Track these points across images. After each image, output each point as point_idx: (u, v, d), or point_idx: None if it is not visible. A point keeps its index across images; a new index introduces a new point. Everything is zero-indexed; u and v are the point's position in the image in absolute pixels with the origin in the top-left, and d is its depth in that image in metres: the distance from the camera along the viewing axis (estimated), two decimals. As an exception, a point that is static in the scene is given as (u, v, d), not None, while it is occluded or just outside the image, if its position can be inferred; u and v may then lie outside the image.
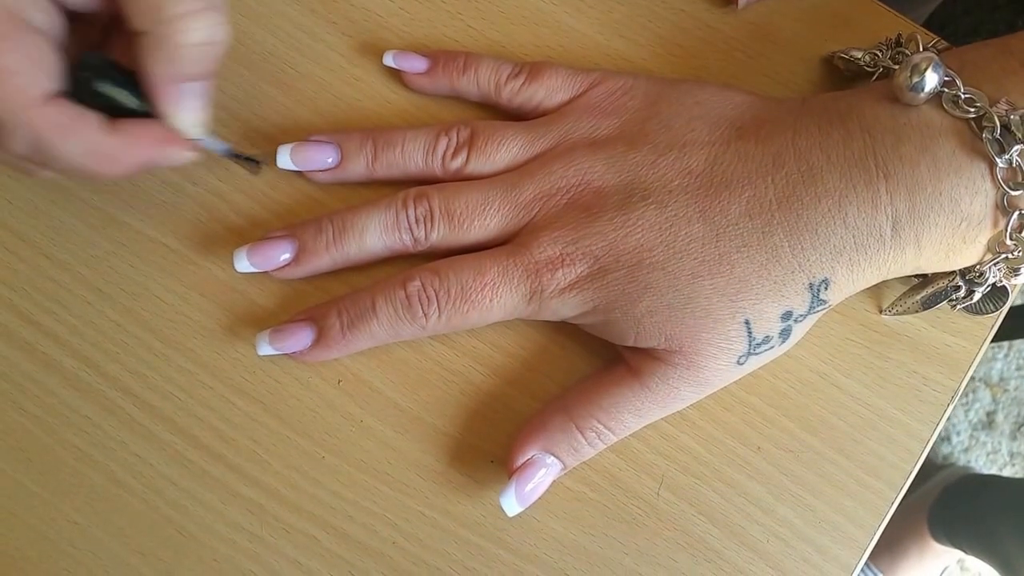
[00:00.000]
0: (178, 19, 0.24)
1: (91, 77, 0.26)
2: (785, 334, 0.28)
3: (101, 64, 0.26)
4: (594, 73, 0.31)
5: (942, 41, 0.31)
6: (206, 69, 0.25)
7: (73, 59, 0.26)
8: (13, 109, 0.24)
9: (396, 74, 0.33)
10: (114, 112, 0.26)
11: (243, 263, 0.30)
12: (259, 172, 0.31)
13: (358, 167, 0.31)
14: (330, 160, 0.31)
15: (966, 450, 1.06)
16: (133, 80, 0.26)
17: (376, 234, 0.30)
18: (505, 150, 0.30)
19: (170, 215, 0.32)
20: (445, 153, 0.30)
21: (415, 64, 0.32)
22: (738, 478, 0.31)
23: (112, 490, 0.30)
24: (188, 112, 0.26)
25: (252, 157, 0.30)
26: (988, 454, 1.06)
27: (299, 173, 0.31)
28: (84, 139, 0.25)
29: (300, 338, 0.29)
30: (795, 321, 0.28)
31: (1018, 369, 1.08)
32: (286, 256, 0.30)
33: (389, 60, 0.32)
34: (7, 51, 0.23)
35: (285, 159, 0.31)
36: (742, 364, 0.28)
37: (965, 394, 1.08)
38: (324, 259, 0.30)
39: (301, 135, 0.32)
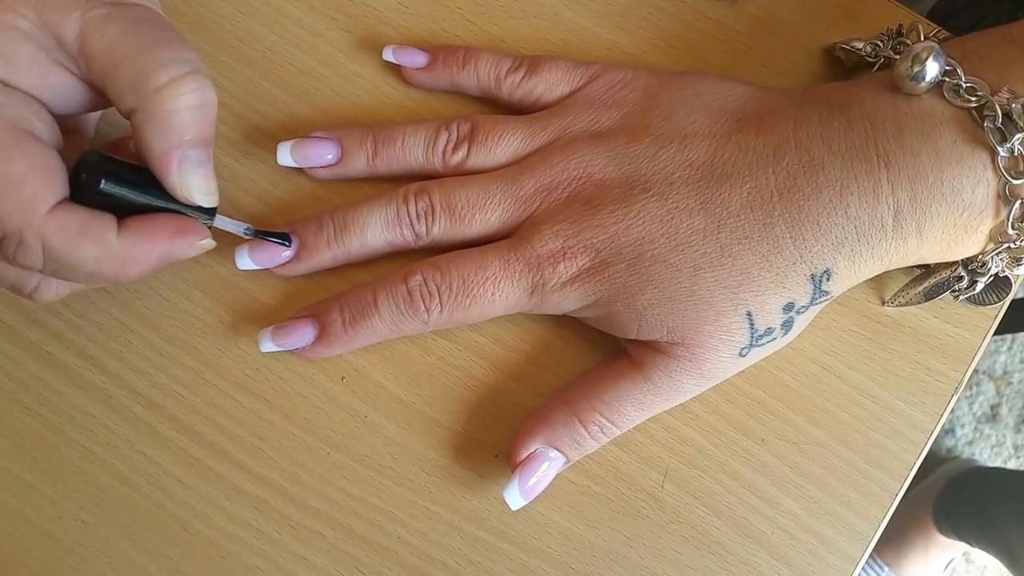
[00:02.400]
0: (164, 88, 0.23)
1: (95, 177, 0.24)
2: (787, 325, 0.28)
3: (101, 162, 0.25)
4: (594, 66, 0.31)
5: (943, 31, 0.31)
6: (202, 133, 0.25)
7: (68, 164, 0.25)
8: (24, 220, 0.23)
9: (396, 69, 0.33)
10: (120, 210, 0.25)
11: (245, 261, 0.30)
12: (290, 247, 0.30)
13: (358, 163, 0.31)
14: (330, 156, 0.31)
15: (970, 443, 1.06)
16: (138, 173, 0.25)
17: (377, 230, 0.30)
18: (506, 144, 0.30)
19: (172, 213, 0.32)
20: (445, 148, 0.30)
21: (415, 59, 0.32)
22: (742, 470, 0.31)
23: (118, 488, 0.30)
24: (196, 180, 0.25)
25: (277, 234, 0.30)
26: (992, 447, 1.06)
27: (300, 170, 0.31)
28: (98, 243, 0.24)
29: (302, 335, 0.30)
30: (797, 312, 0.28)
31: (1022, 362, 1.08)
32: (288, 253, 0.30)
33: (388, 55, 0.32)
34: (14, 160, 0.23)
35: (285, 156, 0.31)
36: (744, 356, 0.28)
37: (969, 387, 1.07)
38: (326, 255, 0.30)
39: (301, 132, 0.32)
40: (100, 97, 0.25)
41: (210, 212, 0.27)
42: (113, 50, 0.24)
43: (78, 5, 0.24)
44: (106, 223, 0.24)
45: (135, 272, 0.25)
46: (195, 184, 0.25)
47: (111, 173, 0.25)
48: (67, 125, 0.26)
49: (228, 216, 0.28)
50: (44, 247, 0.24)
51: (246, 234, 0.29)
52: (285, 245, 0.30)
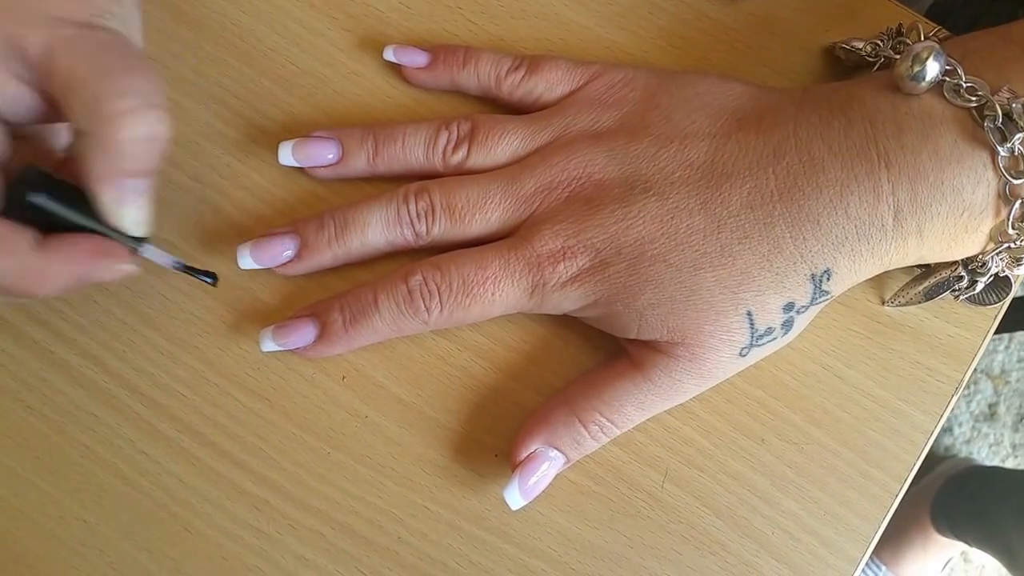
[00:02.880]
0: (118, 116, 0.23)
1: (24, 190, 0.24)
2: (787, 325, 0.28)
3: (37, 177, 0.25)
4: (594, 66, 0.31)
5: (943, 30, 0.31)
6: (146, 166, 0.25)
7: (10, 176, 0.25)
8: None
9: (396, 69, 0.33)
10: (51, 227, 0.25)
11: (246, 260, 0.30)
12: (216, 285, 0.30)
13: (359, 163, 0.31)
14: (331, 156, 0.31)
15: (968, 441, 1.06)
16: (72, 193, 0.25)
17: (378, 229, 0.30)
18: (506, 143, 0.30)
19: (173, 213, 0.32)
20: (446, 147, 0.30)
21: (415, 58, 0.32)
22: (742, 470, 0.31)
23: (119, 487, 0.30)
24: (129, 209, 0.25)
25: (204, 271, 0.29)
26: (990, 446, 1.06)
27: (300, 169, 0.31)
28: (13, 258, 0.24)
29: (303, 334, 0.30)
30: (797, 312, 0.28)
31: (1019, 361, 1.08)
32: (288, 252, 0.30)
33: (389, 55, 0.32)
34: None
35: (287, 155, 0.31)
36: (744, 356, 0.28)
37: (967, 386, 1.08)
38: (326, 255, 0.30)
39: (302, 131, 0.32)
40: (55, 111, 0.25)
41: (140, 240, 0.26)
42: (74, 72, 0.24)
43: (46, 22, 0.24)
44: (22, 237, 0.24)
45: (48, 289, 0.25)
46: (127, 213, 0.25)
47: (43, 190, 0.25)
48: (27, 131, 0.26)
49: (157, 249, 0.28)
50: None
51: (175, 268, 0.28)
52: (209, 283, 0.29)
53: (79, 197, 0.25)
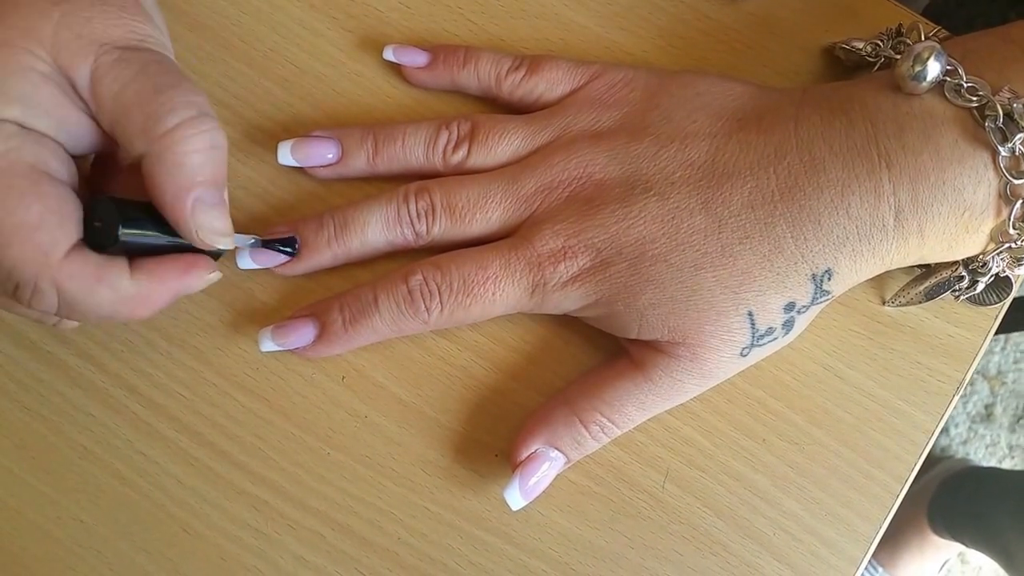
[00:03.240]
0: (174, 131, 0.23)
1: (112, 225, 0.24)
2: (788, 325, 0.28)
3: (115, 208, 0.24)
4: (594, 65, 0.31)
5: (943, 31, 0.31)
6: (215, 175, 0.25)
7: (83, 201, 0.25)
8: (39, 268, 0.23)
9: (396, 69, 0.33)
10: (134, 250, 0.25)
11: (246, 260, 0.30)
12: (295, 254, 0.30)
13: (359, 162, 0.31)
14: (331, 156, 0.31)
15: (965, 442, 1.06)
16: (145, 210, 0.25)
17: (378, 229, 0.30)
18: (506, 143, 0.30)
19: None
20: (446, 147, 0.30)
21: (415, 58, 0.32)
22: (743, 471, 0.31)
23: (117, 488, 0.30)
24: (208, 221, 0.25)
25: (283, 241, 0.30)
26: (987, 447, 1.07)
27: (300, 169, 0.31)
28: (113, 290, 0.24)
29: (303, 334, 0.29)
30: (798, 312, 0.28)
31: (1016, 362, 1.08)
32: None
33: (389, 55, 0.32)
34: (31, 206, 0.23)
35: (286, 155, 0.31)
36: (745, 356, 0.28)
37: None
38: (326, 255, 0.30)
39: (302, 131, 0.32)
40: (108, 139, 0.25)
41: (221, 251, 0.27)
42: (122, 95, 0.24)
43: (91, 50, 0.24)
44: (119, 268, 0.24)
45: (147, 312, 0.25)
46: (209, 226, 0.25)
47: (127, 219, 0.24)
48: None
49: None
50: (59, 293, 0.24)
51: (253, 246, 0.29)
52: (288, 254, 0.30)
53: (155, 215, 0.25)
